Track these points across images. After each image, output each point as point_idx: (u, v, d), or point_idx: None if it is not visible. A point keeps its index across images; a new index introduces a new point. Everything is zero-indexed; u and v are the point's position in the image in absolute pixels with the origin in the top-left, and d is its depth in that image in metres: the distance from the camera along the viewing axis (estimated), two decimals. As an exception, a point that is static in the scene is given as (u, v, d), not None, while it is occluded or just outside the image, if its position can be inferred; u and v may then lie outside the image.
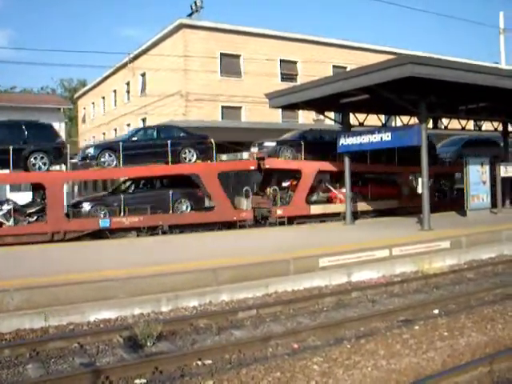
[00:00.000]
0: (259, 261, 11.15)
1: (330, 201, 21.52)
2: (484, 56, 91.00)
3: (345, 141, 18.77)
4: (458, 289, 10.77)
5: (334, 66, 34.78)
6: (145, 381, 6.22)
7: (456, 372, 5.88)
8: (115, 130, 42.52)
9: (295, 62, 34.38)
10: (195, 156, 19.10)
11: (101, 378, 6.14)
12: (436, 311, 8.87)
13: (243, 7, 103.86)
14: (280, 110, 30.23)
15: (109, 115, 44.10)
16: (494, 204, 20.86)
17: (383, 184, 23.50)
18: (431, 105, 17.13)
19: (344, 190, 20.74)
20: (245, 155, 21.30)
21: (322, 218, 20.75)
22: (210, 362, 6.70)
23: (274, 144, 20.79)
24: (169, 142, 18.41)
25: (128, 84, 39.69)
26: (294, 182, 21.04)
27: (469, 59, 32.40)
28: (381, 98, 16.20)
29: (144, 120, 36.15)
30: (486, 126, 25.97)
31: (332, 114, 22.17)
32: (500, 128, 24.16)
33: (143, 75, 36.65)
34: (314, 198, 21.23)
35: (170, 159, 18.34)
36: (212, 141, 19.53)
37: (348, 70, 29.34)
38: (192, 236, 17.50)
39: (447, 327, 7.56)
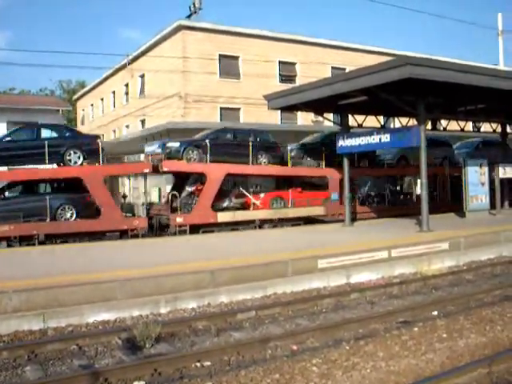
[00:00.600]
0: (257, 262, 11.14)
1: (246, 207, 19.99)
2: (483, 58, 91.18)
3: (344, 142, 18.79)
4: (456, 290, 10.77)
5: (332, 68, 34.82)
6: (144, 382, 6.21)
7: (455, 373, 5.88)
8: (114, 131, 42.52)
9: (294, 64, 34.42)
10: (81, 158, 17.43)
11: (100, 379, 6.13)
12: (435, 313, 8.86)
13: (242, 8, 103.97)
14: (279, 111, 30.23)
15: (108, 117, 44.09)
16: (492, 205, 20.88)
17: (311, 188, 21.76)
18: (430, 106, 17.15)
19: (263, 196, 20.23)
20: (142, 157, 20.03)
21: (234, 226, 19.12)
22: (208, 363, 6.69)
23: (177, 144, 18.99)
24: (46, 142, 16.75)
25: (127, 85, 39.70)
26: (200, 187, 19.35)
27: (468, 61, 32.42)
28: (379, 99, 16.21)
29: (143, 121, 36.17)
30: (485, 127, 26.02)
31: (331, 116, 22.17)
32: (499, 129, 24.21)
33: (142, 77, 36.66)
34: (226, 204, 19.68)
35: (47, 161, 16.71)
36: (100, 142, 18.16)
37: (347, 71, 29.36)
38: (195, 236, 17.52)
39: (446, 329, 7.57)
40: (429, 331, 7.50)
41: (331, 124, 22.51)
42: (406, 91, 15.73)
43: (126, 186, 28.56)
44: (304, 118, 32.95)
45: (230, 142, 19.82)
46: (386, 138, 17.11)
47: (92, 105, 49.74)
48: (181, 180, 20.75)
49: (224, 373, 6.27)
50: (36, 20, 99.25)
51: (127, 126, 39.63)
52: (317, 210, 20.91)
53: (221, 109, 31.74)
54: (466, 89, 15.58)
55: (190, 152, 18.75)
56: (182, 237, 17.74)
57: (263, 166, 20.24)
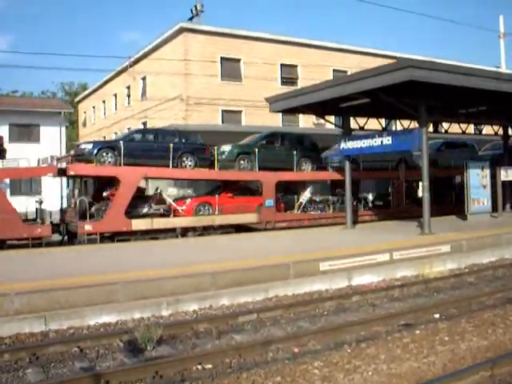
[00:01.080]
0: (259, 265, 11.14)
1: (169, 214, 18.38)
2: (485, 60, 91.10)
3: (345, 145, 18.80)
4: (458, 293, 10.75)
5: (334, 70, 34.85)
6: (145, 385, 6.21)
7: (457, 376, 5.86)
8: (115, 133, 42.56)
9: (295, 66, 34.45)
10: None
11: (101, 382, 6.12)
12: (437, 315, 8.85)
13: (244, 11, 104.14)
14: (281, 113, 30.26)
15: (109, 119, 44.15)
16: (494, 208, 20.86)
17: (246, 194, 20.38)
18: (431, 109, 17.16)
19: (188, 201, 19.05)
20: (49, 159, 18.94)
21: (152, 234, 17.53)
22: (210, 366, 6.68)
23: (90, 146, 17.74)
24: None
25: (128, 88, 39.77)
26: (115, 192, 17.82)
27: (470, 63, 32.45)
28: (381, 101, 16.23)
29: (145, 124, 36.21)
30: (487, 129, 26.01)
31: (332, 118, 22.19)
32: (500, 132, 24.20)
33: (144, 79, 36.72)
34: (145, 210, 18.12)
35: None
36: (3, 143, 16.80)
37: (348, 73, 29.40)
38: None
39: (448, 331, 7.56)
40: (430, 334, 7.49)
41: (333, 126, 22.53)
42: (407, 94, 15.75)
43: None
44: (306, 121, 32.98)
45: (150, 144, 18.42)
46: (387, 140, 17.12)
47: (94, 107, 49.84)
48: (102, 185, 19.34)
49: (225, 375, 6.27)
50: (37, 22, 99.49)
51: (129, 129, 39.64)
52: (248, 218, 19.35)
53: (222, 111, 31.78)
54: (467, 91, 15.58)
55: (104, 154, 17.38)
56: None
57: (185, 170, 18.74)
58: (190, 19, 33.02)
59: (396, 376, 6.01)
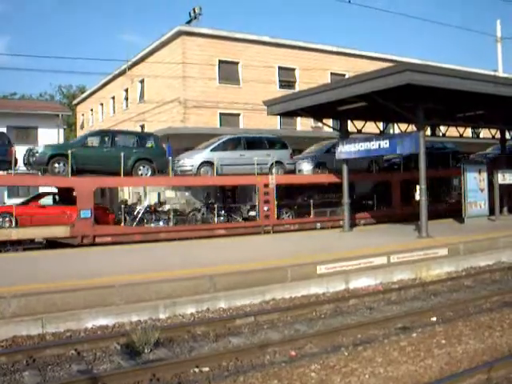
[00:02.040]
0: (256, 268, 11.14)
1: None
2: (482, 64, 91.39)
3: (343, 148, 18.83)
4: (455, 296, 10.78)
5: (332, 74, 34.88)
6: (142, 388, 6.21)
7: (454, 379, 5.88)
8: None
9: (293, 69, 34.48)
10: None
11: (98, 385, 6.14)
12: (434, 319, 8.86)
13: (242, 14, 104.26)
14: (278, 117, 30.29)
15: (107, 122, 44.11)
16: (491, 211, 20.90)
17: (62, 203, 17.95)
18: (429, 112, 17.21)
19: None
20: None
21: None
22: (207, 369, 6.69)
23: None
24: None
25: (126, 91, 39.75)
26: None
27: (467, 67, 32.53)
28: (379, 105, 16.26)
29: (142, 127, 36.20)
30: (484, 133, 26.08)
31: (330, 122, 22.20)
32: (498, 135, 24.27)
33: (142, 82, 36.71)
34: None
35: None
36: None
37: (346, 77, 29.47)
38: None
39: (445, 335, 7.57)
40: (427, 337, 7.50)
41: (330, 130, 22.54)
42: (405, 97, 15.79)
43: (125, 191, 28.58)
44: (303, 124, 33.01)
45: None
46: (385, 143, 17.15)
47: (92, 110, 49.80)
48: None
49: (222, 378, 6.27)
50: (36, 25, 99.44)
51: (127, 131, 39.65)
52: (56, 231, 16.21)
53: (220, 114, 31.77)
54: (464, 95, 15.64)
55: None
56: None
57: None
58: (188, 22, 33.06)
59: (393, 379, 6.02)
